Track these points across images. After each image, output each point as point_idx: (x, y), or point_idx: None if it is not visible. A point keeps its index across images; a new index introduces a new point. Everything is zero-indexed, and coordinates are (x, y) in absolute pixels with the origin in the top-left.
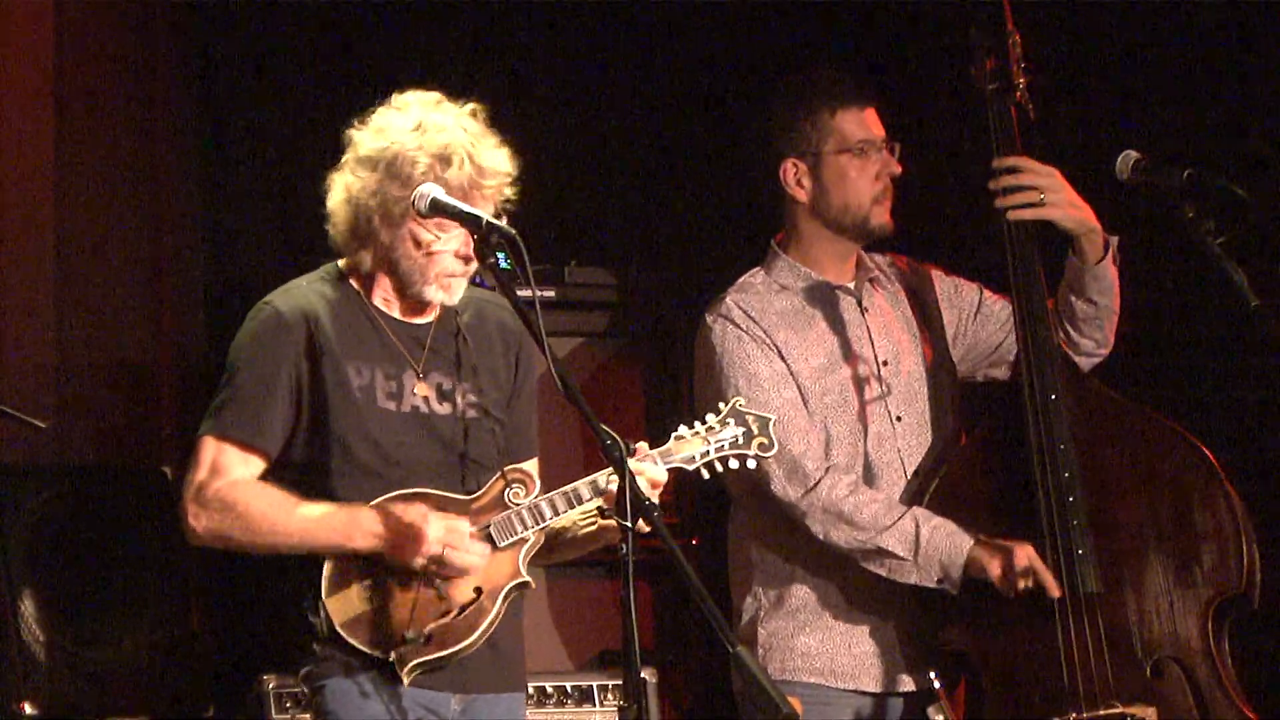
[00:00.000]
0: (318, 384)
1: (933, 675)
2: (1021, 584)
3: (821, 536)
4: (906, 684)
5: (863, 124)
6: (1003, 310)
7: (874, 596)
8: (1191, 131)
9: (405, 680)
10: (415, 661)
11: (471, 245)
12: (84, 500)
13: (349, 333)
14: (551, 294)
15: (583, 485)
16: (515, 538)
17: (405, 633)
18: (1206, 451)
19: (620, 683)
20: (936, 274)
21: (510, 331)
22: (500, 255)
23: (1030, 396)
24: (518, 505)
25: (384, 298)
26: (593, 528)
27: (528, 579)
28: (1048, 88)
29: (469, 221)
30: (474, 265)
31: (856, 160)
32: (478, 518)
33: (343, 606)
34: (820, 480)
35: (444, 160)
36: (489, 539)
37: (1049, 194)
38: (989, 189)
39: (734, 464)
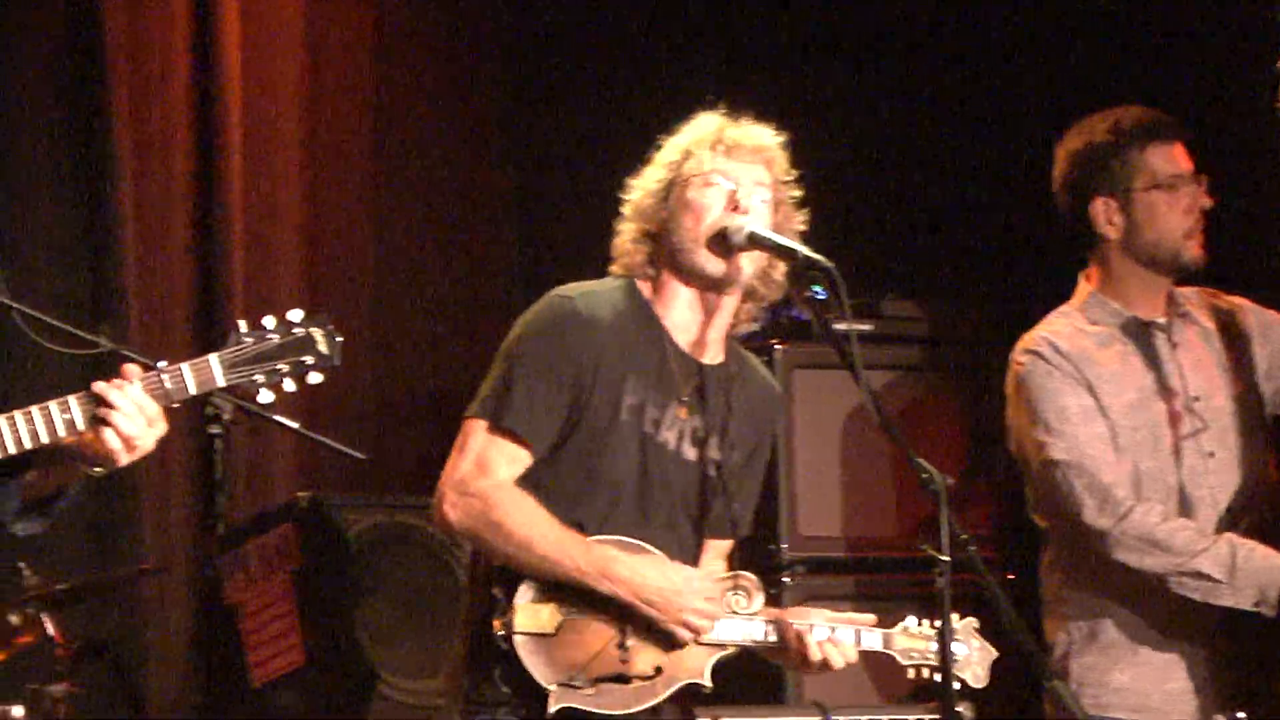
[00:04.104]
0: (593, 393)
1: (1242, 716)
2: None
3: (1134, 564)
4: None
5: (1172, 159)
6: None
7: (1186, 632)
8: None
9: (549, 710)
10: (566, 704)
11: (738, 199)
12: (403, 531)
13: (633, 348)
14: (868, 327)
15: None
16: (718, 642)
17: (574, 674)
18: None
19: (936, 718)
20: (1247, 308)
21: (768, 403)
22: (816, 288)
23: None
24: (736, 614)
25: (673, 322)
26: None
27: (707, 684)
28: None
29: (785, 253)
30: (747, 218)
31: (1167, 195)
32: None
33: (530, 620)
34: (1132, 509)
35: (700, 129)
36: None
37: None
38: None
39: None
